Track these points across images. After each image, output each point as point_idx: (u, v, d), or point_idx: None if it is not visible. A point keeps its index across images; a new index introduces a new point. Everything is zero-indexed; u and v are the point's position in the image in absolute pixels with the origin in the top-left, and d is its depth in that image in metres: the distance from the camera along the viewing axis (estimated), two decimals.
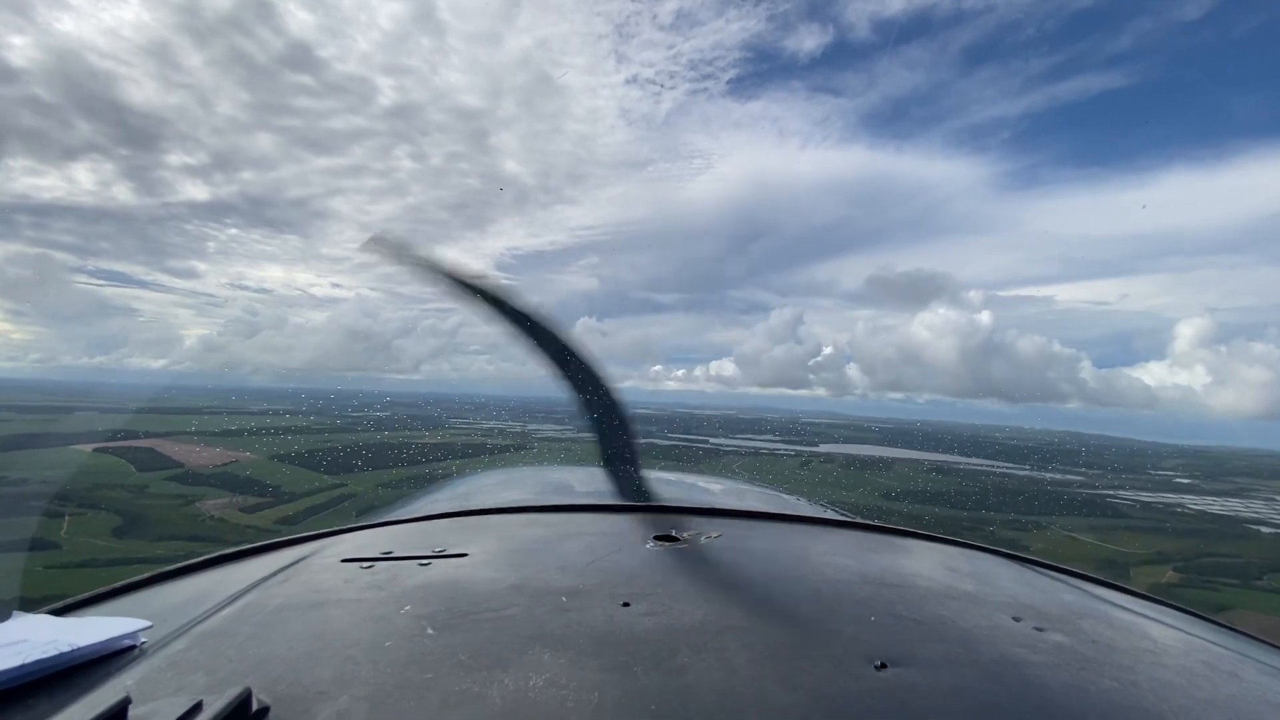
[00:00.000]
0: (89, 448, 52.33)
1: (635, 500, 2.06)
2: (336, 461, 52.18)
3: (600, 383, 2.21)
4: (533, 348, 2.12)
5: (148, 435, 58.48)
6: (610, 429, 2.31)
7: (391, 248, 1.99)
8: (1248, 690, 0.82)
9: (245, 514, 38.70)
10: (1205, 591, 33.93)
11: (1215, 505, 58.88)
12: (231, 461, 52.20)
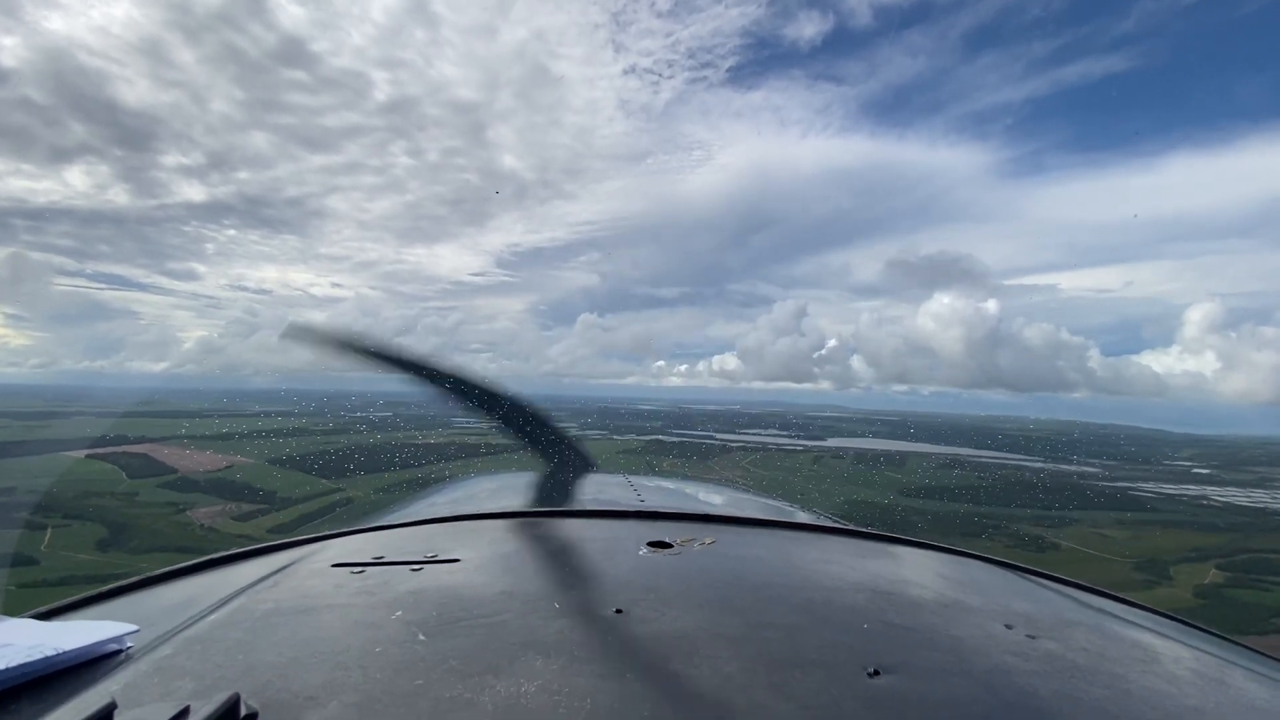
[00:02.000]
0: (80, 454, 50.97)
1: (564, 499, 2.21)
2: (333, 465, 50.70)
3: (520, 404, 2.39)
4: (455, 397, 2.28)
5: (142, 440, 57.16)
6: (540, 438, 2.53)
7: (311, 335, 2.09)
8: (1236, 697, 0.83)
9: (237, 522, 37.30)
10: (1256, 591, 32.43)
11: (1240, 497, 57.23)
12: (226, 466, 50.79)
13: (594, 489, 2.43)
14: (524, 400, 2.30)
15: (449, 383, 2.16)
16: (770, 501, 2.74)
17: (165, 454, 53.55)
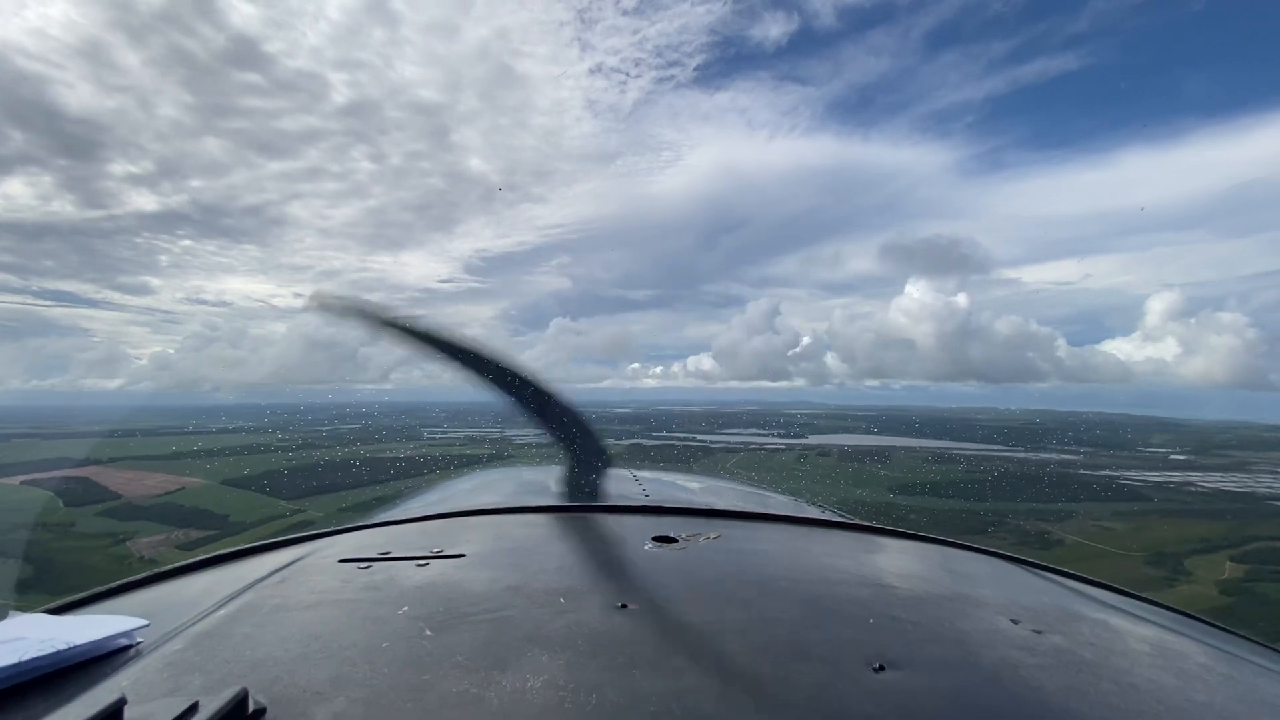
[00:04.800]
0: (15, 480, 46.92)
1: (597, 496, 2.16)
2: (296, 484, 47.31)
3: (548, 393, 2.35)
4: (476, 377, 2.26)
5: (87, 463, 53.11)
6: (569, 432, 2.49)
7: (332, 303, 2.09)
8: (1245, 693, 0.83)
9: (182, 551, 33.88)
10: None
11: (1225, 482, 57.44)
12: (177, 489, 47.07)
13: (599, 484, 2.45)
14: (555, 391, 2.30)
15: (468, 357, 2.15)
16: (775, 496, 2.70)
17: (110, 477, 49.66)
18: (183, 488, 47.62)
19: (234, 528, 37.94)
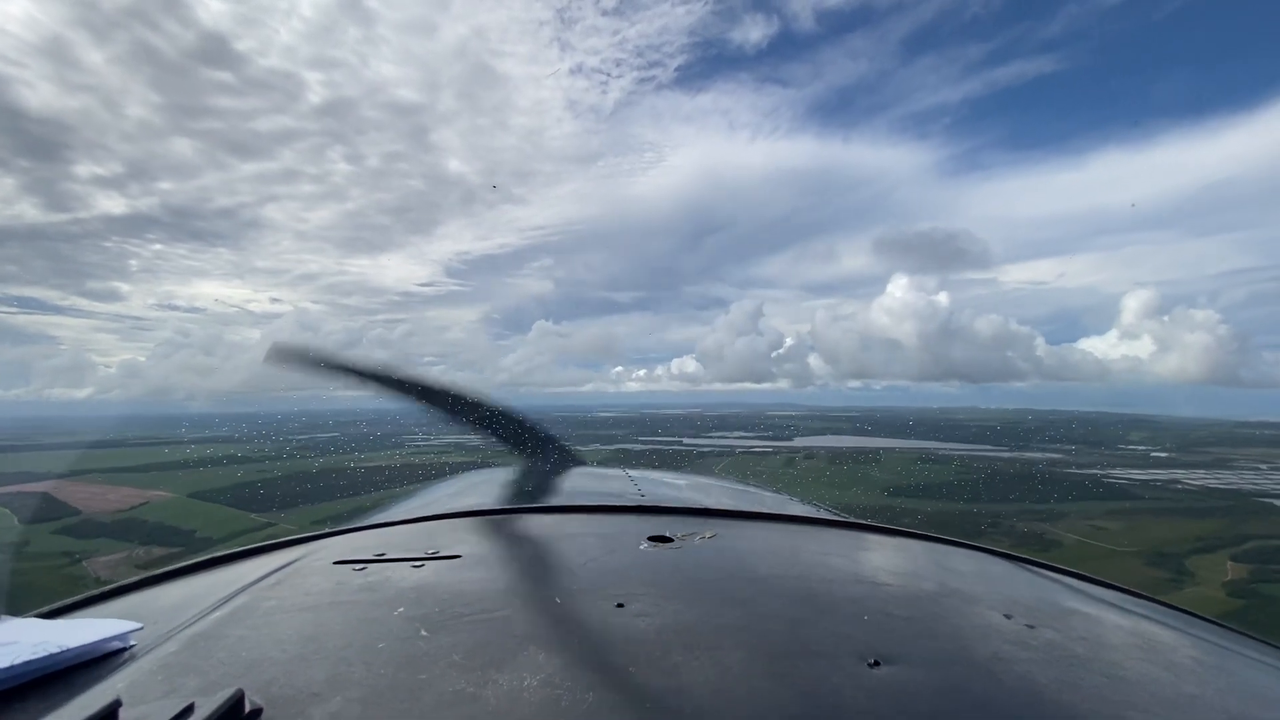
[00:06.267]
0: None
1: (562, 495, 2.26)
2: (267, 496, 45.41)
3: (496, 409, 2.60)
4: (435, 410, 2.45)
5: (46, 477, 50.52)
6: (521, 437, 2.73)
7: (292, 354, 2.16)
8: (1236, 685, 0.84)
9: (143, 571, 31.98)
10: None
11: (1210, 479, 57.94)
12: (141, 504, 44.90)
13: (594, 484, 2.47)
14: (509, 408, 2.43)
15: (434, 397, 2.24)
16: (770, 495, 2.73)
17: (70, 492, 47.12)
18: (147, 502, 45.48)
19: (200, 544, 36.01)
